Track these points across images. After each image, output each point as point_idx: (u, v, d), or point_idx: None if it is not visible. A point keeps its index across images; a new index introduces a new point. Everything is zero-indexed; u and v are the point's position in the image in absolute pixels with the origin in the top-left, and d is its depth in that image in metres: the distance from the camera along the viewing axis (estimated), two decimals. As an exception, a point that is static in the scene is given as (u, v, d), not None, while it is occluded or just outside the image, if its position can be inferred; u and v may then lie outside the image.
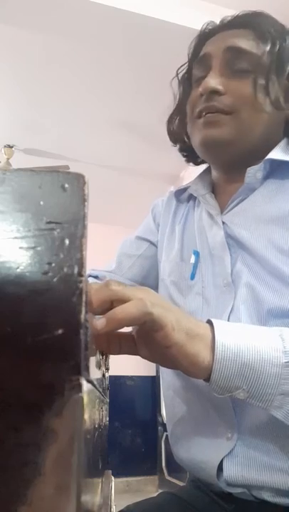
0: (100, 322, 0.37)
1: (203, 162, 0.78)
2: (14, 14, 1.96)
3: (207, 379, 0.44)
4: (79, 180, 0.24)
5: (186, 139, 0.75)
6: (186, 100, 0.70)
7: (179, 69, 0.73)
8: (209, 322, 0.46)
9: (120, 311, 0.38)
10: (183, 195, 0.77)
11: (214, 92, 0.62)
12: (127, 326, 0.40)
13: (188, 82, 0.72)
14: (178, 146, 0.78)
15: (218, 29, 0.68)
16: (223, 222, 0.65)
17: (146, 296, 0.40)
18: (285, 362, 0.44)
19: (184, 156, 0.79)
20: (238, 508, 0.59)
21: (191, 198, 0.77)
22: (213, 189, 0.72)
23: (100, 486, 0.38)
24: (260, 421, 0.54)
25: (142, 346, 0.46)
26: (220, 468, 0.56)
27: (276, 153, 0.62)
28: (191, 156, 0.78)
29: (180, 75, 0.74)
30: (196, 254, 0.67)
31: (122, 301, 0.39)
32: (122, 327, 0.39)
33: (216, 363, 0.43)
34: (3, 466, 0.18)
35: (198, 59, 0.67)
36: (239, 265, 0.61)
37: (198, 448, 0.61)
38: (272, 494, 0.53)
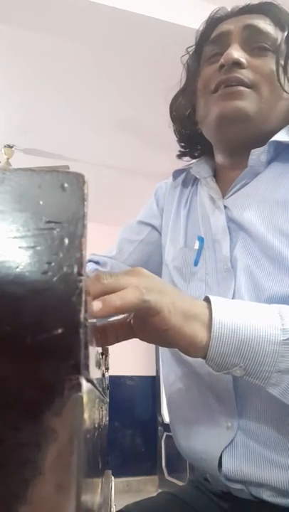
0: (94, 304, 0.36)
1: (201, 155, 0.76)
2: (14, 14, 1.96)
3: (204, 356, 0.44)
4: (79, 180, 0.24)
5: (183, 130, 0.73)
6: (193, 81, 0.69)
7: (188, 48, 0.72)
8: (207, 299, 0.46)
9: (117, 298, 0.37)
10: (187, 179, 0.76)
11: (236, 64, 0.60)
12: (123, 313, 0.40)
13: (196, 62, 0.70)
14: (178, 136, 0.76)
15: (231, 14, 0.67)
16: (225, 207, 0.64)
17: (140, 282, 0.40)
18: (283, 340, 0.43)
19: (182, 146, 0.77)
20: (237, 508, 0.59)
21: (195, 182, 0.75)
22: (215, 174, 0.71)
23: (100, 486, 0.38)
24: (261, 411, 0.54)
25: (139, 330, 0.46)
26: (219, 463, 0.56)
27: (282, 136, 0.61)
28: (189, 147, 0.76)
29: (186, 57, 0.72)
30: (201, 240, 0.66)
31: (117, 291, 0.39)
32: (118, 314, 0.40)
33: (212, 339, 0.43)
34: (3, 466, 0.18)
35: (214, 37, 0.66)
36: (238, 249, 0.60)
37: (197, 436, 0.60)
38: (271, 493, 0.53)
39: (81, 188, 0.23)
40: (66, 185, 0.23)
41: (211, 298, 0.45)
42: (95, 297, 0.38)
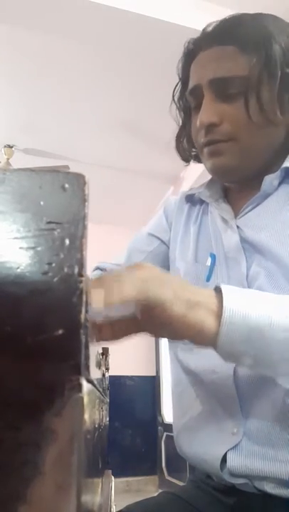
0: (95, 295, 0.35)
1: None
2: (14, 14, 1.96)
3: (213, 345, 0.43)
4: (79, 180, 0.24)
5: (196, 153, 0.75)
6: (188, 121, 0.72)
7: (174, 90, 0.73)
8: (217, 289, 0.45)
9: (115, 291, 0.37)
10: (195, 198, 0.77)
11: (211, 125, 0.62)
12: (122, 303, 0.38)
13: (185, 104, 0.72)
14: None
15: (201, 46, 0.66)
16: (238, 227, 0.65)
17: (141, 274, 0.40)
18: None
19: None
20: (239, 503, 0.60)
21: (204, 201, 0.77)
22: (226, 194, 0.72)
23: (100, 486, 0.38)
24: (267, 416, 0.55)
25: (146, 323, 0.44)
26: (223, 460, 0.57)
27: None
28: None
29: (176, 96, 0.73)
30: (213, 256, 0.67)
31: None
32: (117, 305, 0.37)
33: (222, 325, 0.42)
34: (3, 466, 0.18)
35: (190, 89, 0.67)
36: (255, 268, 0.61)
37: (201, 441, 0.62)
38: (274, 485, 0.54)
39: (82, 189, 0.23)
40: (67, 185, 0.23)
41: (222, 286, 0.45)
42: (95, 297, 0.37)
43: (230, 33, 0.62)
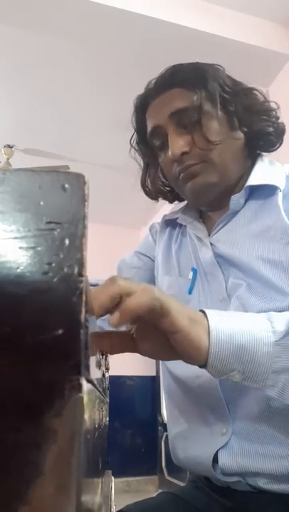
0: (114, 317, 0.39)
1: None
2: (14, 14, 1.96)
3: (204, 365, 0.46)
4: (79, 180, 0.24)
5: (164, 191, 0.82)
6: (153, 163, 0.79)
7: (131, 139, 0.80)
8: (202, 311, 0.49)
9: (132, 301, 0.39)
10: (173, 221, 0.84)
11: (182, 155, 0.68)
12: (140, 314, 0.41)
13: (148, 150, 0.78)
14: (160, 198, 0.84)
15: (150, 98, 0.73)
16: (211, 244, 0.71)
17: (148, 286, 0.42)
18: (275, 341, 0.47)
19: (170, 200, 0.85)
20: (237, 504, 0.61)
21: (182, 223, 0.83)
22: (200, 215, 0.79)
23: (100, 486, 0.38)
24: (253, 415, 0.58)
25: (142, 341, 0.47)
26: (215, 460, 0.60)
27: (254, 179, 0.69)
28: (176, 197, 0.84)
29: (134, 144, 0.80)
30: (194, 270, 0.73)
31: (130, 294, 0.40)
32: (136, 316, 0.41)
33: (212, 346, 0.45)
34: (3, 466, 0.18)
35: (150, 132, 0.73)
36: (232, 280, 0.66)
37: (193, 444, 0.65)
38: (267, 481, 0.57)
39: (81, 189, 0.23)
40: (67, 185, 0.23)
41: (206, 310, 0.48)
42: (111, 297, 0.40)
43: (172, 78, 0.71)
